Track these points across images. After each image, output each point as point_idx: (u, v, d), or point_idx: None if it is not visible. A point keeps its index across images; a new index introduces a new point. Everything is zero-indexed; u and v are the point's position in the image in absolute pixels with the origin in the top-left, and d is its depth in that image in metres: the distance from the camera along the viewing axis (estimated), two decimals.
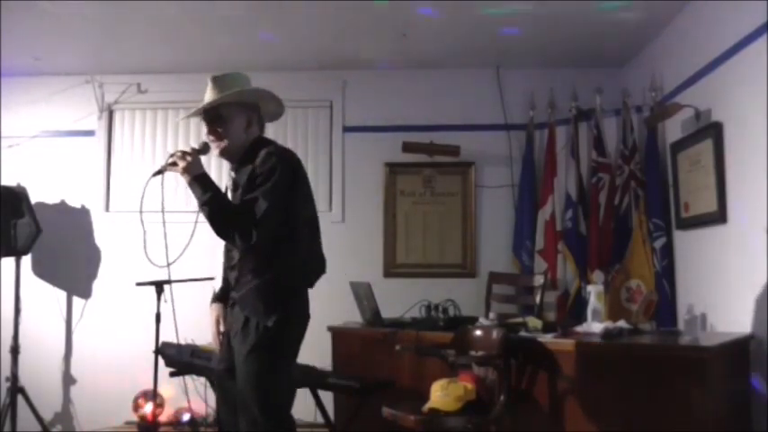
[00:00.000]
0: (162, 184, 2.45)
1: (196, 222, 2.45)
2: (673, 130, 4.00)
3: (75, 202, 5.04)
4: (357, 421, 3.50)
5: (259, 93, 2.53)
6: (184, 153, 2.37)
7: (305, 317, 2.48)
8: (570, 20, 4.09)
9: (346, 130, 5.02)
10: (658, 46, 4.32)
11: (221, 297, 2.58)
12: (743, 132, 3.24)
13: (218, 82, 2.46)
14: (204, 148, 2.47)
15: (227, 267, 2.52)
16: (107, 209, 5.08)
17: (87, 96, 5.06)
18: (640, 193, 4.19)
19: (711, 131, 3.48)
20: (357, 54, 4.73)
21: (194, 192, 2.34)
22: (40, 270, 4.89)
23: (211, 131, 2.46)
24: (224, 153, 2.48)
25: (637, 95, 4.45)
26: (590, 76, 4.69)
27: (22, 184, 4.59)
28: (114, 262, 4.94)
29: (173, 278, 3.75)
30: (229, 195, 2.50)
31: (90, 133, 5.10)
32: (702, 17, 3.69)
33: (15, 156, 5.01)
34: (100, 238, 5.00)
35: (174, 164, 2.36)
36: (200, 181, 2.34)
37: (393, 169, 5.00)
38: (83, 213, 5.03)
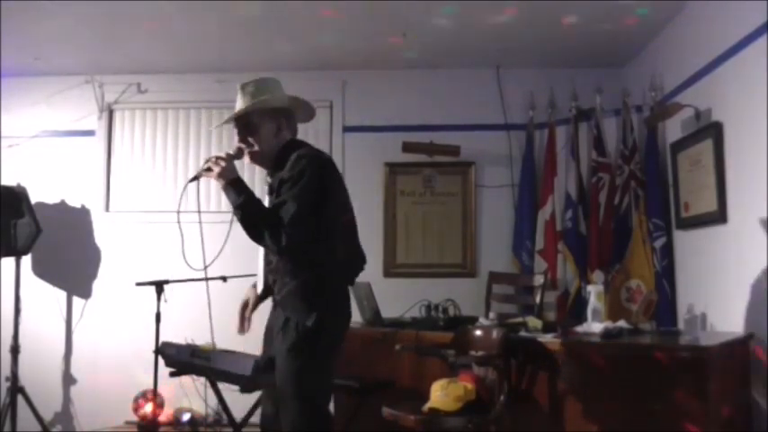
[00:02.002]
0: (198, 188, 2.50)
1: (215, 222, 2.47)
2: (673, 129, 4.00)
3: (75, 202, 5.04)
4: (357, 421, 3.50)
5: (286, 99, 2.56)
6: (218, 158, 2.40)
7: (345, 316, 2.50)
8: (570, 20, 4.08)
9: (346, 130, 5.02)
10: (658, 46, 4.32)
11: (263, 298, 2.61)
12: (743, 132, 3.24)
13: (247, 89, 2.50)
14: (238, 154, 2.49)
15: (268, 270, 2.54)
16: (107, 209, 5.08)
17: (87, 96, 5.06)
18: (640, 192, 4.19)
19: (711, 131, 3.48)
20: (357, 54, 4.73)
21: (228, 196, 2.37)
22: (40, 270, 4.89)
23: (242, 139, 2.50)
24: (255, 159, 2.51)
25: (637, 95, 4.45)
26: (590, 76, 4.68)
27: (22, 184, 4.59)
28: (114, 262, 4.94)
29: (176, 278, 3.78)
30: (266, 201, 2.51)
31: (90, 133, 5.10)
32: (702, 17, 3.68)
33: (15, 156, 5.01)
34: (100, 238, 5.00)
35: (209, 169, 2.39)
36: (233, 185, 2.36)
37: (393, 169, 5.00)
38: (83, 213, 5.03)
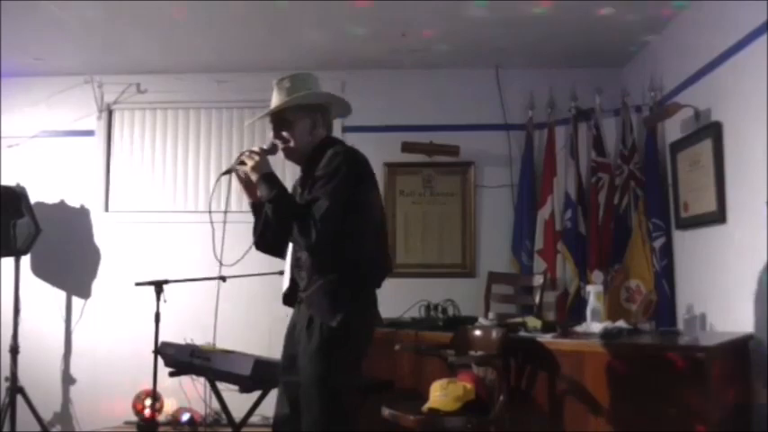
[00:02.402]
0: (230, 183, 2.49)
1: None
2: (672, 129, 4.00)
3: (74, 202, 5.04)
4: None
5: (322, 96, 2.54)
6: (252, 152, 2.39)
7: (372, 318, 2.46)
8: (570, 20, 4.09)
9: (346, 130, 5.00)
10: (658, 46, 4.32)
11: (288, 297, 2.54)
12: (743, 132, 3.24)
13: (283, 84, 2.48)
14: (272, 149, 2.48)
15: (295, 267, 2.47)
16: (107, 209, 5.08)
17: (87, 96, 5.06)
18: (640, 193, 4.19)
19: (711, 131, 3.48)
20: (357, 54, 4.73)
21: (261, 190, 2.37)
22: (40, 270, 4.89)
23: (277, 135, 2.48)
24: (289, 155, 2.49)
25: (636, 95, 4.45)
26: (590, 76, 4.69)
27: (22, 184, 4.59)
28: (114, 262, 4.94)
29: (178, 278, 3.78)
30: (298, 197, 2.50)
31: (90, 133, 5.10)
32: (702, 17, 3.68)
33: (15, 156, 5.01)
34: (99, 238, 5.00)
35: (243, 163, 2.39)
36: (266, 179, 2.35)
37: (393, 169, 5.00)
38: (82, 213, 5.03)
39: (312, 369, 2.31)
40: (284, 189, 2.37)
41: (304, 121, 2.47)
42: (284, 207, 2.33)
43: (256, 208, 2.51)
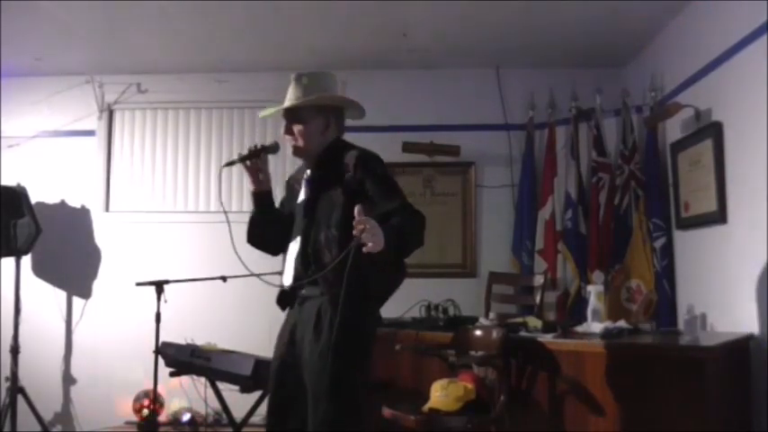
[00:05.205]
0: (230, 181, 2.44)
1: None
2: (673, 129, 4.00)
3: (75, 202, 5.03)
4: None
5: (338, 99, 2.54)
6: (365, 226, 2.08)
7: (377, 317, 2.46)
8: (570, 20, 4.09)
9: (346, 129, 5.01)
10: (658, 46, 4.32)
11: (284, 297, 2.50)
12: (743, 132, 3.24)
13: (301, 81, 2.45)
14: (274, 147, 2.47)
15: (313, 252, 2.37)
16: (107, 209, 5.08)
17: (87, 96, 5.06)
18: (640, 193, 4.19)
19: (711, 131, 3.48)
20: (357, 54, 4.73)
21: (383, 255, 2.15)
22: (40, 270, 4.89)
23: (288, 130, 2.46)
24: (298, 153, 2.47)
25: (637, 95, 4.45)
26: (590, 76, 4.69)
27: (22, 184, 4.59)
28: (114, 262, 4.94)
29: (178, 278, 3.79)
30: (301, 195, 2.48)
31: (90, 133, 5.10)
32: (702, 17, 3.69)
33: (15, 156, 5.01)
34: (100, 238, 5.00)
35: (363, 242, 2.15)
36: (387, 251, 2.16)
37: (393, 169, 4.90)
38: (83, 213, 5.03)
39: (322, 368, 2.23)
40: (390, 236, 2.15)
41: (317, 120, 2.45)
42: (404, 244, 2.24)
43: (258, 197, 2.49)
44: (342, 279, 2.20)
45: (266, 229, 2.51)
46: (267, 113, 2.58)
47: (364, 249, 2.08)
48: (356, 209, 2.10)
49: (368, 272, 2.23)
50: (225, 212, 2.42)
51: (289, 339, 2.41)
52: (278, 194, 2.60)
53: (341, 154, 2.42)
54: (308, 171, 2.50)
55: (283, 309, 2.52)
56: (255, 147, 2.45)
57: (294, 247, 2.44)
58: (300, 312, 2.41)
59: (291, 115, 2.46)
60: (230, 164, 2.48)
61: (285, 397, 2.38)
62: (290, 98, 2.46)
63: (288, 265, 2.47)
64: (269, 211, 2.53)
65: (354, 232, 2.08)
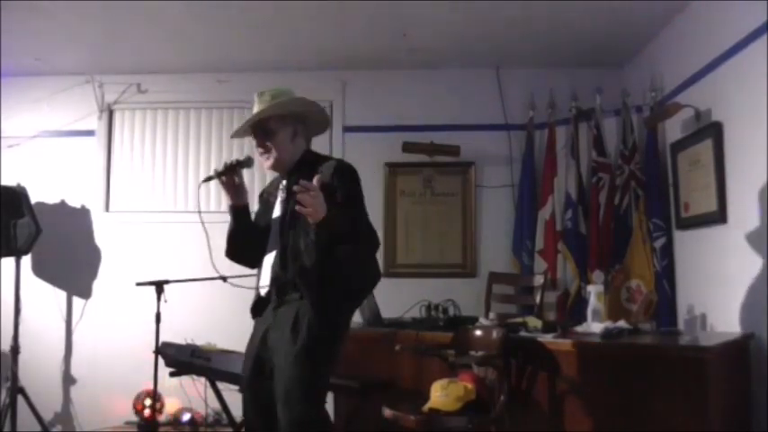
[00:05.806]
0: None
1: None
2: (673, 130, 4.00)
3: (75, 202, 5.03)
4: (357, 421, 3.50)
5: (300, 101, 2.58)
6: (303, 188, 2.15)
7: (348, 321, 2.52)
8: (570, 20, 4.09)
9: (346, 130, 5.02)
10: (658, 46, 4.32)
11: (258, 306, 2.56)
12: (743, 132, 3.24)
13: (263, 97, 2.53)
14: (248, 162, 2.53)
15: (292, 258, 2.42)
16: (107, 209, 5.08)
17: (87, 96, 5.05)
18: (640, 193, 4.19)
19: (711, 131, 3.48)
20: (357, 54, 4.73)
21: (325, 227, 2.23)
22: (40, 270, 4.89)
23: (260, 144, 2.52)
24: (276, 166, 2.53)
25: (637, 95, 4.45)
26: (590, 76, 4.69)
27: (22, 184, 4.59)
28: (114, 262, 4.94)
29: (178, 278, 3.79)
30: (277, 207, 2.53)
31: (90, 133, 5.09)
32: (702, 17, 3.69)
33: (15, 156, 5.01)
34: (100, 238, 5.00)
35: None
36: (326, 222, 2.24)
37: (393, 169, 5.00)
38: (83, 213, 5.03)
39: (298, 370, 2.29)
40: (338, 218, 2.26)
41: (286, 129, 2.52)
42: (350, 260, 2.35)
43: (235, 211, 2.55)
44: (321, 282, 2.30)
45: (244, 242, 2.57)
46: (236, 133, 2.65)
47: (297, 209, 2.15)
48: (315, 178, 2.22)
49: (349, 271, 2.34)
50: (199, 214, 2.44)
51: (260, 342, 2.47)
52: (252, 210, 2.65)
53: (315, 162, 2.48)
54: (284, 182, 2.54)
55: (255, 317, 2.57)
56: (231, 162, 2.52)
57: (269, 259, 2.50)
58: (275, 316, 2.45)
59: (260, 130, 2.52)
60: (207, 180, 2.54)
61: (259, 398, 2.44)
62: (255, 114, 2.52)
63: (264, 273, 2.52)
64: (246, 223, 2.59)
65: (295, 187, 2.15)
